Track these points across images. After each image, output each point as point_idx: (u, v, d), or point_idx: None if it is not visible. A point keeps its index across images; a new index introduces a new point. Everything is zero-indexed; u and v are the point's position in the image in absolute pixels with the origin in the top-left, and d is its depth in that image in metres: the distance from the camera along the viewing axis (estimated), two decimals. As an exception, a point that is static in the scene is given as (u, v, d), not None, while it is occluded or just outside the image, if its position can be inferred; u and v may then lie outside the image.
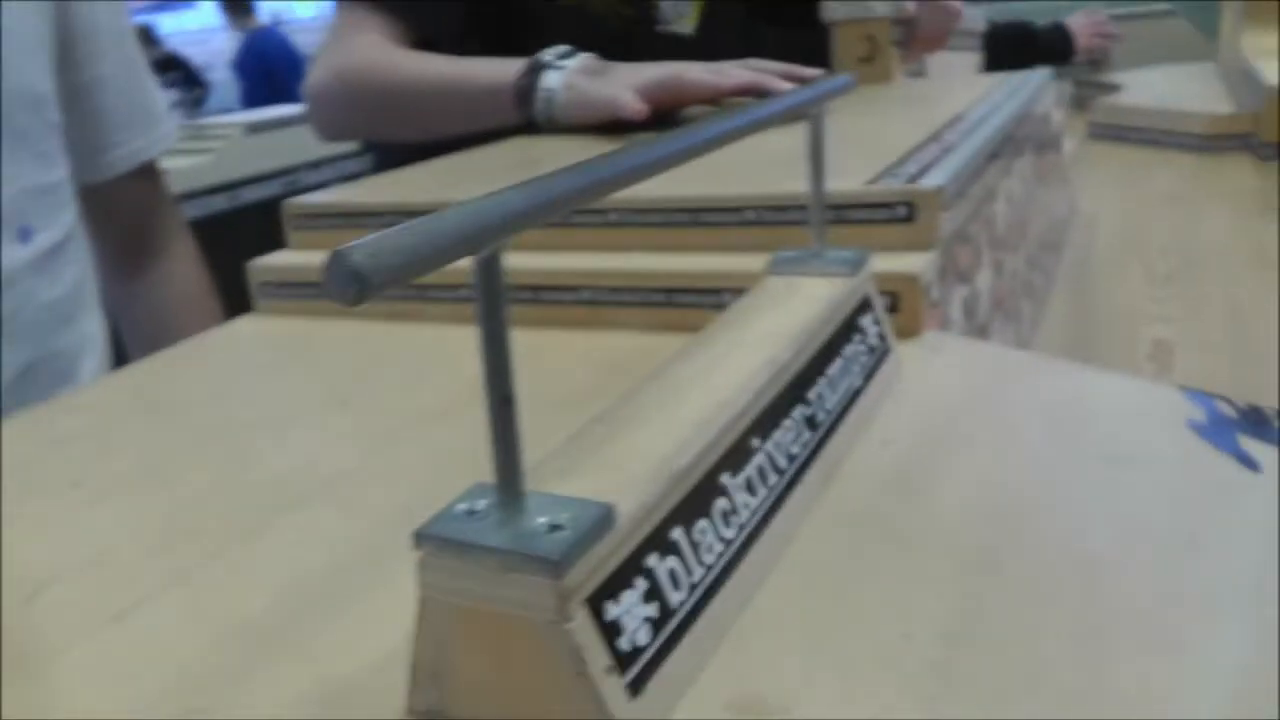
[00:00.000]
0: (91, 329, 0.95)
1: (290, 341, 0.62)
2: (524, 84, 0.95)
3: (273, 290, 0.67)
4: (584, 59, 0.96)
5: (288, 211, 0.70)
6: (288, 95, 2.36)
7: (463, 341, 0.58)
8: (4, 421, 0.52)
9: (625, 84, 0.91)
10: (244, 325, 0.66)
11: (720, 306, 0.54)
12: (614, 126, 0.89)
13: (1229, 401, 0.53)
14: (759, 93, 0.91)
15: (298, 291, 0.66)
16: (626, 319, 0.57)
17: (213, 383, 0.58)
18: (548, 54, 0.96)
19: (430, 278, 0.57)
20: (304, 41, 4.79)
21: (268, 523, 0.40)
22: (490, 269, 0.24)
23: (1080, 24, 2.09)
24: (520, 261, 0.59)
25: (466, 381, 0.53)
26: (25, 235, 0.85)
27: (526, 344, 0.56)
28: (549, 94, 0.93)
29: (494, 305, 0.24)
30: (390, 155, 1.25)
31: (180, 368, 0.61)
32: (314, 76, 1.13)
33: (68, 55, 0.91)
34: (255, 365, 0.60)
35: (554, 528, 0.25)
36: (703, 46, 1.16)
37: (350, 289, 0.20)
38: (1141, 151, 1.46)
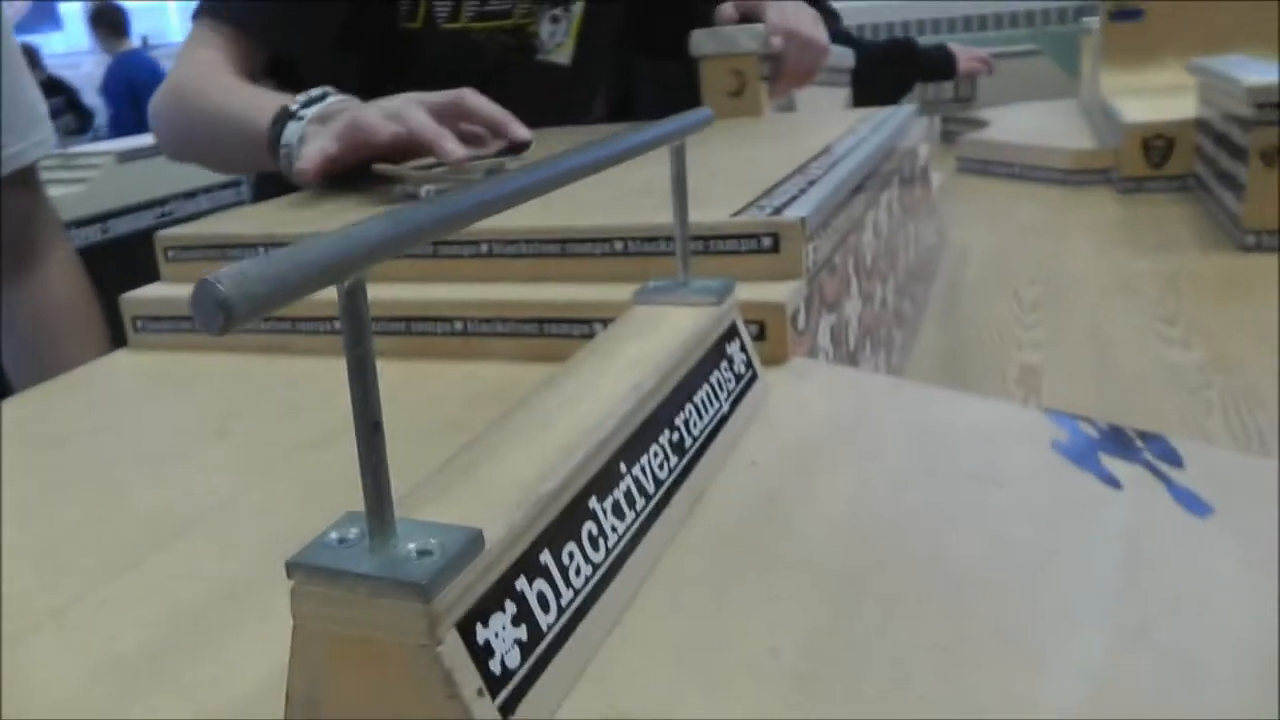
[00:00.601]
0: None
1: (166, 375, 0.62)
2: (273, 135, 0.89)
3: (148, 324, 0.66)
4: (327, 104, 0.89)
5: (160, 243, 0.69)
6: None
7: (337, 373, 0.58)
8: None
9: (329, 133, 0.84)
10: (120, 359, 0.65)
11: (591, 336, 0.55)
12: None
13: (1091, 422, 0.55)
14: (426, 148, 0.82)
15: (173, 324, 0.65)
16: (498, 349, 0.57)
17: (88, 417, 0.57)
18: (297, 100, 0.90)
19: (302, 309, 0.57)
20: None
21: (143, 557, 0.40)
22: (354, 298, 0.24)
23: (961, 50, 2.17)
24: (393, 293, 0.60)
25: (341, 412, 0.53)
26: None
27: (399, 374, 0.57)
28: (288, 149, 0.87)
29: (359, 333, 0.25)
30: (267, 184, 1.23)
31: (55, 402, 0.60)
32: (154, 98, 1.08)
33: None
34: (131, 399, 0.60)
35: (423, 553, 0.25)
36: (579, 77, 1.17)
37: (217, 318, 0.20)
38: (1008, 185, 1.52)
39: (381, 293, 0.60)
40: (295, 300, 0.22)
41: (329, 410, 0.53)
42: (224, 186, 2.28)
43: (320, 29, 1.10)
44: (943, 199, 1.29)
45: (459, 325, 0.58)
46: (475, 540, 0.26)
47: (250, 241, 0.66)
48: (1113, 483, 0.48)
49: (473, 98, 0.86)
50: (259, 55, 1.08)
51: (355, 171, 0.83)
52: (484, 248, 0.60)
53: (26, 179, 1.04)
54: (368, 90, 0.95)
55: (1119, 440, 0.54)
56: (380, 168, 0.80)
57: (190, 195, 2.20)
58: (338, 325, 0.59)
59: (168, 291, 0.67)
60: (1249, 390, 0.75)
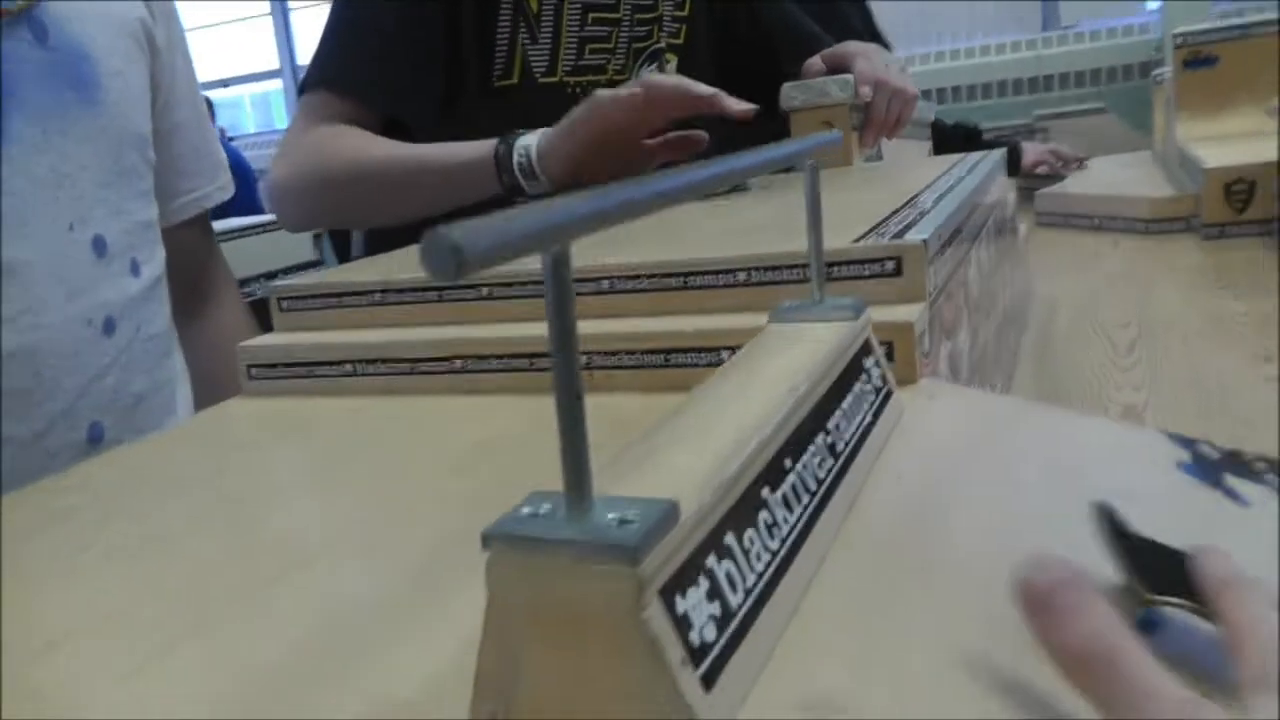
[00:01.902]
0: (180, 364, 0.98)
1: (285, 418, 0.63)
2: (502, 150, 1.02)
3: (262, 371, 0.67)
4: (541, 130, 1.03)
5: (274, 294, 0.71)
6: (238, 208, 2.38)
7: (460, 410, 0.59)
8: (2, 499, 0.52)
9: (565, 132, 0.98)
10: (235, 406, 0.66)
11: (716, 364, 0.55)
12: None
13: (1211, 444, 0.54)
14: (690, 106, 0.98)
15: (287, 371, 0.66)
16: (624, 382, 0.58)
17: (211, 460, 0.58)
18: (519, 131, 1.03)
19: (420, 350, 0.58)
20: (252, 156, 4.83)
21: (284, 574, 0.40)
22: (560, 264, 0.24)
23: (1034, 149, 2.09)
24: (516, 331, 0.60)
25: (471, 441, 0.53)
26: (135, 269, 0.88)
27: (528, 409, 0.57)
28: (525, 149, 1.00)
29: (563, 300, 0.25)
30: (348, 249, 1.27)
31: (176, 449, 0.61)
32: (282, 167, 1.15)
33: (154, 102, 0.95)
34: (252, 442, 0.60)
35: (623, 522, 0.25)
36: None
37: (449, 263, 0.20)
38: (1089, 236, 1.51)
39: (505, 331, 0.60)
40: (514, 258, 0.22)
41: (457, 441, 0.54)
42: (302, 267, 2.33)
43: (423, 91, 1.14)
44: (1026, 251, 1.29)
45: (583, 359, 0.58)
46: (672, 511, 0.26)
47: (365, 289, 0.67)
48: (1241, 500, 0.47)
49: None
50: (374, 120, 1.14)
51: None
52: (605, 284, 0.60)
53: (204, 222, 1.09)
54: None
55: (1238, 462, 0.53)
56: None
57: (270, 276, 2.25)
58: (455, 364, 0.60)
59: (281, 340, 0.68)
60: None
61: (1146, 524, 0.43)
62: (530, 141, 1.01)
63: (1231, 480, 0.50)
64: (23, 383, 0.78)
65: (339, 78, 1.14)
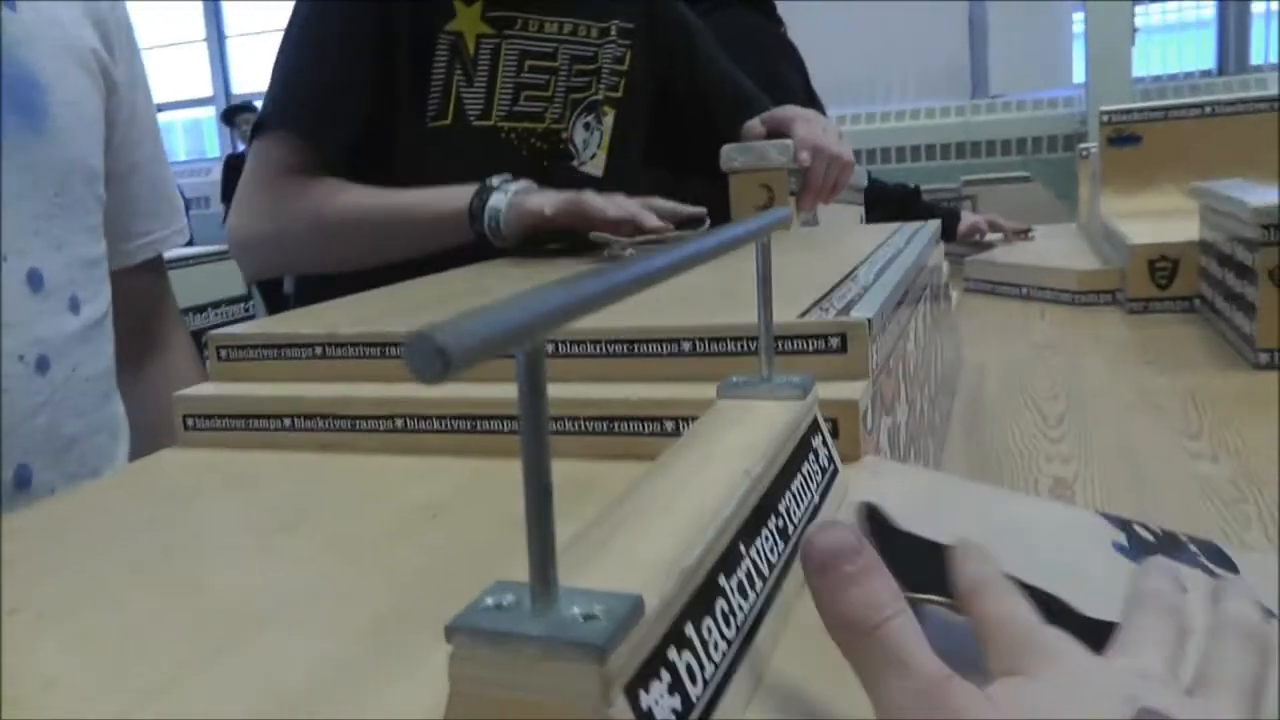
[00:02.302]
0: (120, 410, 0.95)
1: (222, 471, 0.61)
2: (476, 204, 1.10)
3: (199, 422, 0.66)
4: (523, 182, 1.12)
5: (213, 343, 0.69)
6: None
7: (400, 470, 0.59)
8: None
9: (548, 200, 1.07)
10: (170, 457, 0.65)
11: (661, 434, 0.56)
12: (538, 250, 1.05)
13: (1145, 526, 0.55)
14: (636, 226, 1.06)
15: (224, 423, 0.65)
16: (566, 448, 0.57)
17: (146, 513, 0.56)
18: (494, 179, 1.11)
19: (364, 408, 0.57)
20: (185, 184, 4.77)
21: (234, 641, 0.39)
22: (535, 360, 0.25)
23: (969, 217, 2.06)
24: (456, 391, 0.60)
25: (412, 506, 0.53)
26: (75, 306, 0.85)
27: (466, 471, 0.57)
28: (495, 212, 1.09)
29: (537, 395, 0.25)
30: (278, 288, 1.29)
31: (109, 498, 0.59)
32: (244, 218, 1.17)
33: (109, 140, 0.92)
34: (189, 494, 0.59)
35: (588, 618, 0.25)
36: (612, 189, 1.21)
37: (435, 365, 0.20)
38: (1017, 305, 1.55)
39: (448, 391, 0.60)
40: (497, 356, 0.22)
41: (399, 503, 0.53)
42: (232, 302, 2.29)
43: (360, 129, 1.16)
44: (958, 318, 1.31)
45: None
46: (637, 606, 0.26)
47: (308, 341, 0.66)
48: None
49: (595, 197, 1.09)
50: (319, 161, 1.17)
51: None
52: (550, 347, 0.60)
53: (158, 266, 1.07)
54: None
55: (1174, 544, 0.54)
56: (597, 236, 1.06)
57: (199, 309, 2.21)
58: (396, 423, 0.60)
59: (219, 390, 0.67)
60: (1284, 505, 0.76)
61: (1096, 608, 0.44)
62: (500, 206, 1.09)
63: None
64: None
65: (294, 122, 1.16)
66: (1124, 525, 0.55)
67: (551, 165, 1.25)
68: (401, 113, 1.16)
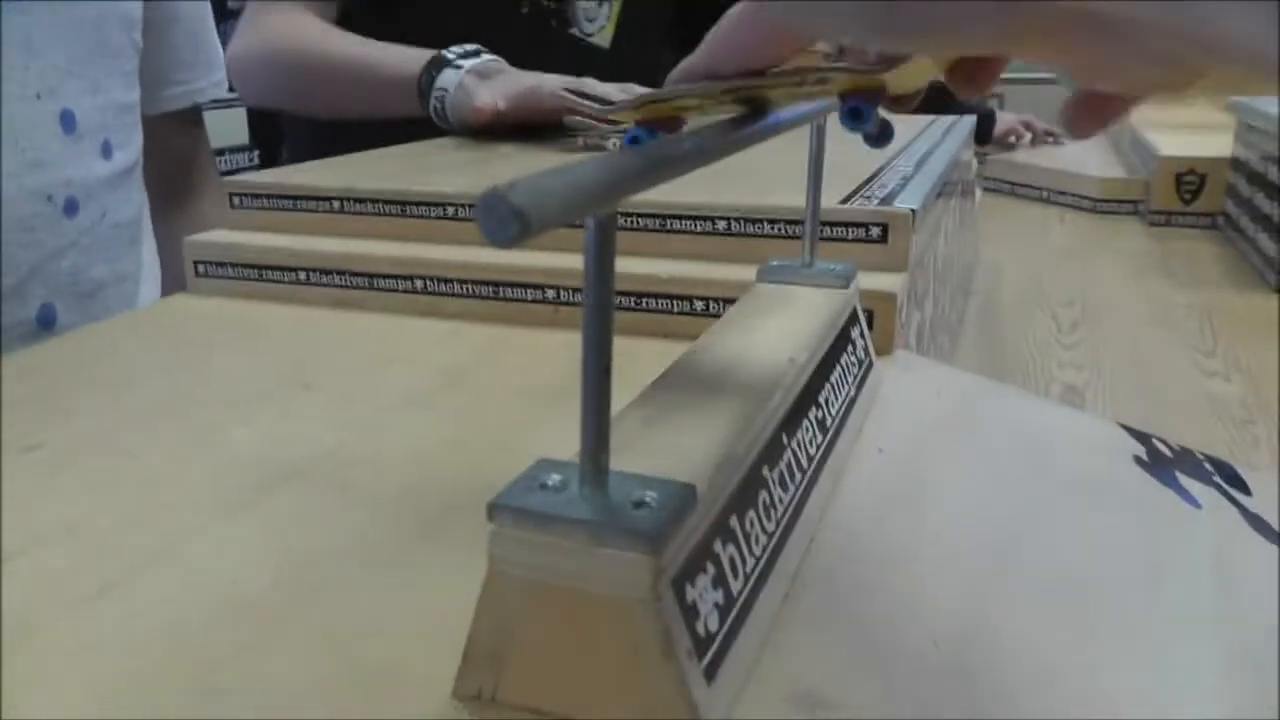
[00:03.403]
0: (149, 257, 0.95)
1: (234, 321, 0.60)
2: (425, 79, 1.00)
3: (210, 269, 0.64)
4: (483, 60, 1.01)
5: (227, 188, 0.67)
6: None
7: (417, 332, 0.57)
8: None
9: (496, 88, 0.96)
10: (181, 302, 0.64)
11: (690, 313, 0.54)
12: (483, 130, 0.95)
13: (1165, 442, 0.55)
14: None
15: (236, 271, 0.64)
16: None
17: (160, 356, 0.55)
18: (451, 51, 1.01)
19: (383, 265, 0.55)
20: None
21: (252, 499, 0.38)
22: (607, 229, 0.23)
23: (1006, 119, 2.03)
24: (483, 257, 0.58)
25: (432, 369, 0.52)
26: (107, 151, 0.84)
27: (487, 338, 0.55)
28: (442, 93, 0.99)
29: (606, 269, 0.23)
30: (299, 140, 1.25)
31: (120, 341, 0.58)
32: (241, 41, 1.14)
33: None
34: (202, 342, 0.57)
35: (640, 505, 0.24)
36: (616, 64, 1.17)
37: (510, 228, 0.19)
38: (1036, 208, 1.52)
39: (470, 255, 0.58)
40: (573, 221, 0.21)
41: (419, 367, 0.52)
42: (235, 150, 2.25)
43: None
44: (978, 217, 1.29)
45: (550, 294, 0.56)
46: (690, 495, 0.25)
47: (326, 194, 0.64)
48: (1193, 502, 0.48)
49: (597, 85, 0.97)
50: (331, 6, 1.13)
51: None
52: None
53: (195, 116, 1.06)
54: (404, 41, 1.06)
55: (1191, 462, 0.53)
56: (573, 121, 0.94)
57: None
58: (416, 284, 0.58)
59: (232, 238, 0.65)
60: (1293, 429, 0.75)
61: (1110, 518, 0.44)
62: (448, 86, 0.99)
63: (1184, 480, 0.50)
64: None
65: None
66: (1144, 439, 0.54)
67: (557, 30, 1.20)
68: None
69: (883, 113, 0.35)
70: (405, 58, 1.03)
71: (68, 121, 0.79)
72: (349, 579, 0.33)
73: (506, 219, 0.19)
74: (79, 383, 0.51)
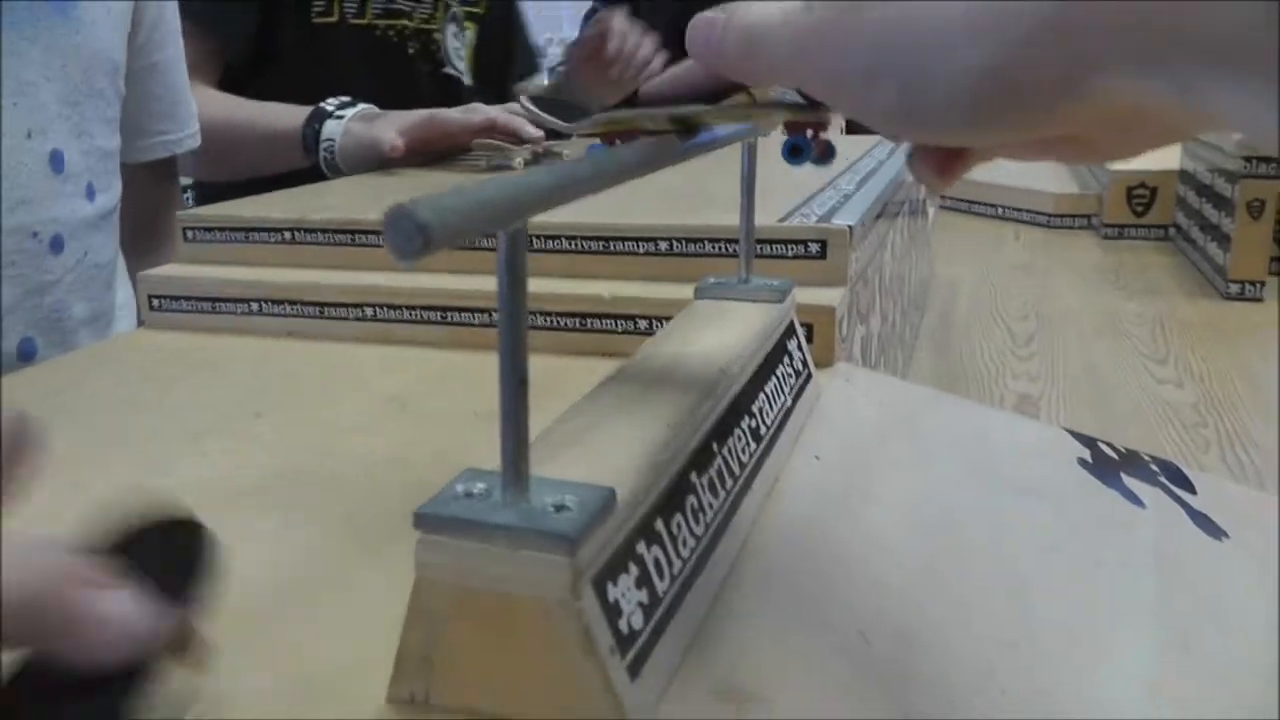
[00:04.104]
0: (125, 297, 0.96)
1: (187, 353, 0.60)
2: (309, 132, 1.07)
3: (164, 303, 0.65)
4: (361, 108, 1.07)
5: (179, 223, 0.68)
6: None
7: (369, 360, 0.58)
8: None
9: (390, 126, 1.00)
10: (133, 338, 0.64)
11: (634, 332, 0.55)
12: (388, 164, 0.99)
13: (1109, 444, 0.56)
14: (506, 132, 1.02)
15: (191, 305, 0.64)
16: (540, 343, 0.57)
17: (116, 390, 0.55)
18: (329, 103, 1.07)
19: (328, 294, 0.56)
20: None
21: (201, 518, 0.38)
22: (516, 243, 0.24)
23: None
24: (429, 282, 0.59)
25: (380, 397, 0.52)
26: (91, 193, 0.86)
27: (442, 363, 0.56)
28: (330, 143, 1.05)
29: (517, 282, 0.24)
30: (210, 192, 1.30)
31: (80, 375, 0.58)
32: None
33: (133, 39, 0.93)
34: (157, 375, 0.58)
35: (560, 509, 0.25)
36: (478, 96, 1.24)
37: (415, 241, 0.20)
38: (991, 224, 1.54)
39: (419, 281, 0.59)
40: (479, 235, 0.22)
41: (369, 393, 0.53)
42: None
43: (242, 24, 1.19)
44: (932, 235, 1.30)
45: (495, 316, 0.57)
46: (609, 498, 0.26)
47: (277, 225, 0.65)
48: (1137, 501, 0.49)
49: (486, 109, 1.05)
50: (217, 59, 1.18)
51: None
52: (524, 240, 0.59)
53: (168, 167, 1.08)
54: (290, 87, 1.14)
55: (1136, 463, 0.54)
56: (482, 143, 1.01)
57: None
58: (366, 312, 0.59)
59: (186, 271, 0.66)
60: (1242, 431, 0.77)
61: (1051, 519, 0.45)
62: (334, 135, 1.05)
63: (1129, 480, 0.51)
64: None
65: (194, 15, 1.15)
66: (1089, 442, 0.55)
67: (424, 68, 1.27)
68: (288, 11, 1.19)
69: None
70: (284, 114, 1.09)
71: (57, 162, 0.81)
72: (289, 595, 0.33)
73: (411, 234, 0.20)
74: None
